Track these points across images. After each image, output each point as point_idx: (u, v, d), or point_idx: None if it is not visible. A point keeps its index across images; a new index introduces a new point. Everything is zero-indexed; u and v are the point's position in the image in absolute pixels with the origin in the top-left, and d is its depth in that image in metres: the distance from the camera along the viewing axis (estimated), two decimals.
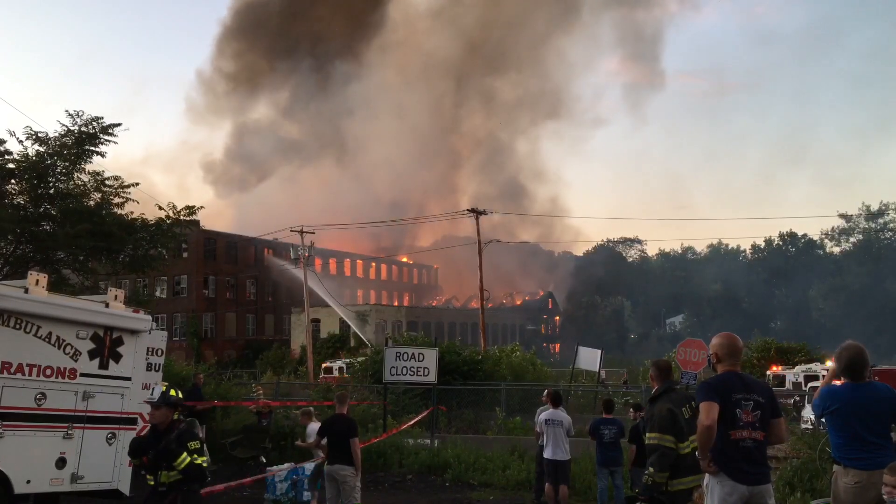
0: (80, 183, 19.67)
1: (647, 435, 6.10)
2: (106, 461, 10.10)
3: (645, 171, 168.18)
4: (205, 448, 8.00)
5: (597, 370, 28.00)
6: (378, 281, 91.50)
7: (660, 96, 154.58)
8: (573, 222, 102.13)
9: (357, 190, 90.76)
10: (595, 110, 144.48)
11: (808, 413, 19.46)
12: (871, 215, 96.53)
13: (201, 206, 22.24)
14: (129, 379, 10.62)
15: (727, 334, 5.77)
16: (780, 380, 29.46)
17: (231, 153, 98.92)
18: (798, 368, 30.03)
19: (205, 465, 6.78)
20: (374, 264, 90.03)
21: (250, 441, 16.70)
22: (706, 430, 5.31)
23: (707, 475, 5.48)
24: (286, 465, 13.03)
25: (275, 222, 63.58)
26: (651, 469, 5.95)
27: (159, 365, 11.94)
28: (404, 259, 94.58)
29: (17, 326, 9.40)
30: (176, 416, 6.89)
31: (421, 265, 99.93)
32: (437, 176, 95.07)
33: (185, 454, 6.59)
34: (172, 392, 6.96)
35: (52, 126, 20.29)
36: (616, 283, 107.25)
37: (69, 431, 9.65)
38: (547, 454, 11.69)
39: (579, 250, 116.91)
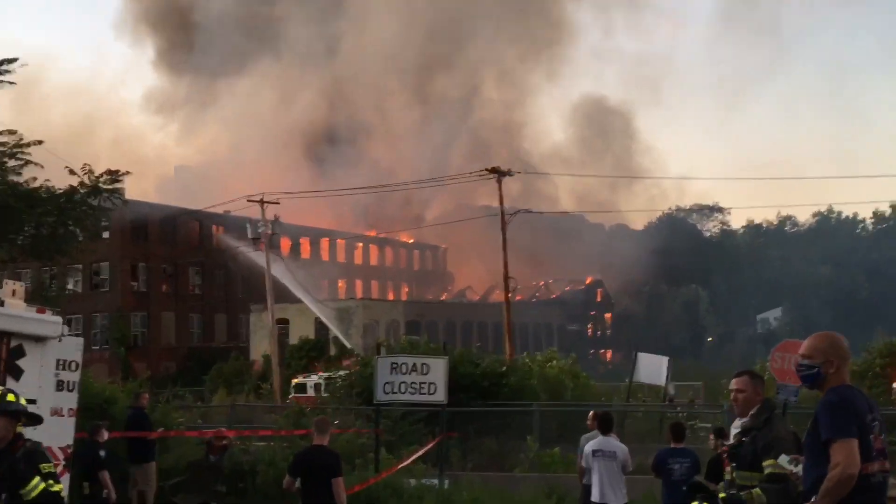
0: None
1: (772, 462, 6.27)
2: None
3: (729, 116, 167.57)
4: (58, 472, 7.98)
5: (662, 384, 28.08)
6: (367, 267, 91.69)
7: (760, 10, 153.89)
8: (633, 185, 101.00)
9: (339, 145, 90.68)
10: (659, 32, 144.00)
11: None
12: None
13: (126, 172, 22.26)
14: (33, 402, 10.67)
15: (831, 334, 5.79)
16: None
17: (177, 78, 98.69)
18: None
19: (62, 494, 6.76)
20: (360, 245, 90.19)
21: (197, 483, 16.80)
22: (849, 480, 5.30)
23: None
24: None
25: (227, 189, 63.65)
26: (764, 499, 6.15)
27: (74, 383, 11.96)
28: (403, 238, 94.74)
29: None
30: (19, 430, 6.78)
31: (425, 245, 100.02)
32: (449, 123, 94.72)
33: (37, 479, 6.52)
34: (11, 397, 6.78)
35: None
36: (689, 267, 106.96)
37: None
38: (595, 497, 11.74)
39: (639, 222, 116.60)
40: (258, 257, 52.23)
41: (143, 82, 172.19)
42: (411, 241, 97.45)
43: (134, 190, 65.82)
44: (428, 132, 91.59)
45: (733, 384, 6.75)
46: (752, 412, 6.58)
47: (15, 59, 20.27)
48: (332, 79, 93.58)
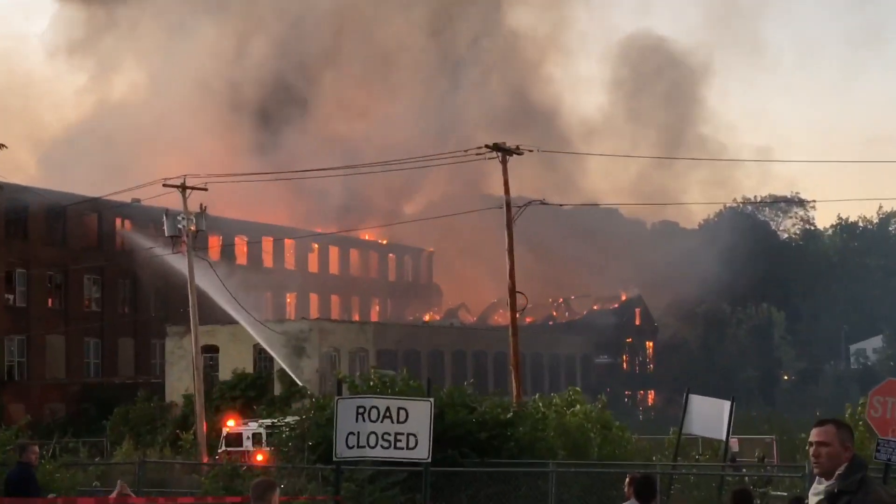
0: None
1: None
2: None
3: (810, 78, 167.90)
4: None
5: (722, 438, 28.13)
6: (325, 276, 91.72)
7: None
8: (687, 168, 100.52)
9: (292, 108, 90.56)
10: None
11: None
12: None
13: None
14: None
15: None
16: None
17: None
18: None
19: None
20: (317, 246, 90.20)
21: None
22: None
23: None
24: None
25: (135, 169, 63.42)
26: None
27: None
28: (374, 237, 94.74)
29: None
30: None
31: (403, 248, 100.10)
32: (436, 88, 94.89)
33: None
34: None
35: None
36: (760, 280, 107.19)
37: None
38: None
39: (692, 219, 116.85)
40: (178, 262, 52.07)
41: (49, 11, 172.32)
42: (384, 242, 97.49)
43: (12, 168, 65.91)
44: (417, 89, 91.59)
45: (814, 435, 6.80)
46: (838, 472, 6.65)
47: None
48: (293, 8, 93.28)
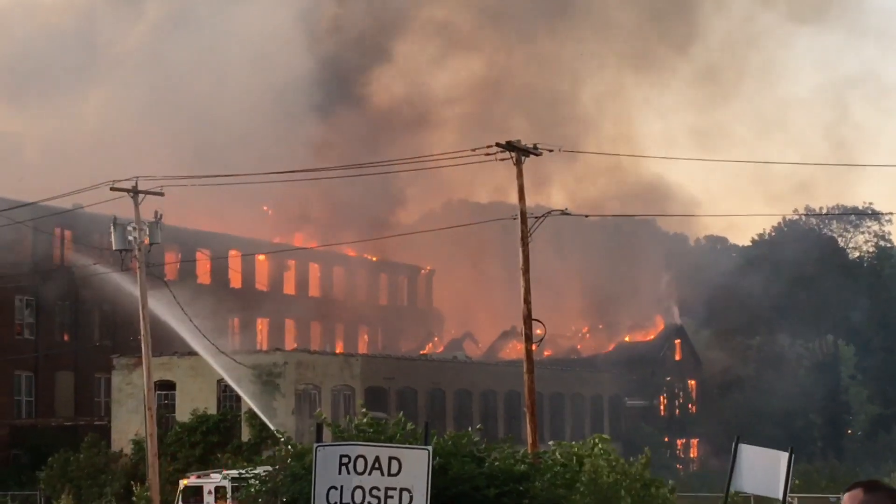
0: None
1: None
2: None
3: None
4: None
5: (779, 497, 28.17)
6: (304, 299, 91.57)
7: None
8: (726, 173, 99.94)
9: (257, 103, 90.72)
10: None
11: None
12: None
13: None
14: None
15: None
16: None
17: None
18: None
19: None
20: (293, 263, 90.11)
21: None
22: None
23: None
24: None
25: (78, 169, 63.32)
26: None
27: None
28: (363, 253, 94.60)
29: None
30: None
31: (397, 266, 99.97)
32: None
33: None
34: None
35: None
36: (825, 307, 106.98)
37: None
38: None
39: (742, 234, 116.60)
40: (128, 281, 52.09)
41: None
42: (375, 259, 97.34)
43: None
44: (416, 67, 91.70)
45: (844, 502, 6.65)
46: None
47: None
48: None
